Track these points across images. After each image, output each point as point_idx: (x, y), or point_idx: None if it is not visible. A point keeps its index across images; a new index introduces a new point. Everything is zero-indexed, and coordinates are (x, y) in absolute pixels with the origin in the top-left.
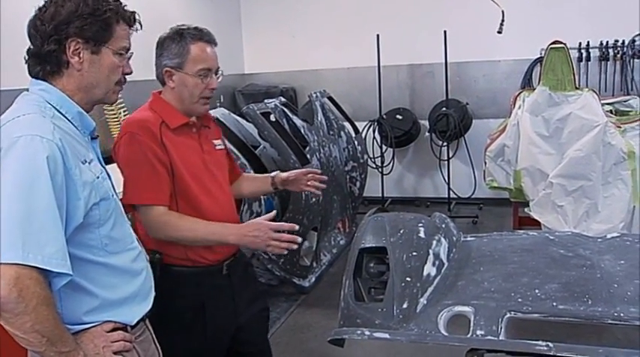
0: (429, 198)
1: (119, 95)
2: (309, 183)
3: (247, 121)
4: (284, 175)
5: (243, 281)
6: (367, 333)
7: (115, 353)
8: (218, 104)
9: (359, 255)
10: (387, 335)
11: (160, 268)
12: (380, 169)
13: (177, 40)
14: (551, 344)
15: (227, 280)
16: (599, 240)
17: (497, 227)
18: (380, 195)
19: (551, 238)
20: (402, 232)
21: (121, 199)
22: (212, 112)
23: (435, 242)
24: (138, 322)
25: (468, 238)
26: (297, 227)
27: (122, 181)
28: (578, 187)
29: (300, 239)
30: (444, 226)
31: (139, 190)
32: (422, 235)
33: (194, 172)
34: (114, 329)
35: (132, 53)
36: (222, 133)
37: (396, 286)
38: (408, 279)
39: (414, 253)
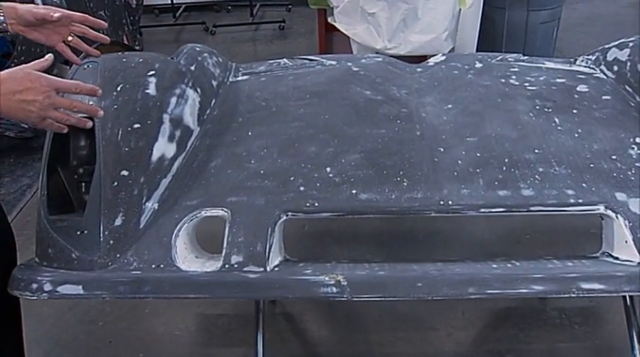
0: (228, 1)
1: None
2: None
3: None
4: (29, 8)
5: None
6: (48, 288)
7: None
8: None
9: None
10: (80, 289)
11: None
12: None
13: None
14: (344, 282)
15: None
16: (419, 70)
17: (307, 33)
18: (169, 1)
19: (355, 69)
20: (120, 89)
21: None
22: None
23: (174, 99)
24: None
25: (239, 78)
26: (100, 91)
27: None
28: None
29: (102, 113)
30: (193, 68)
31: None
32: (151, 91)
33: None
34: None
35: None
36: None
37: (105, 189)
38: (125, 173)
39: (137, 126)
